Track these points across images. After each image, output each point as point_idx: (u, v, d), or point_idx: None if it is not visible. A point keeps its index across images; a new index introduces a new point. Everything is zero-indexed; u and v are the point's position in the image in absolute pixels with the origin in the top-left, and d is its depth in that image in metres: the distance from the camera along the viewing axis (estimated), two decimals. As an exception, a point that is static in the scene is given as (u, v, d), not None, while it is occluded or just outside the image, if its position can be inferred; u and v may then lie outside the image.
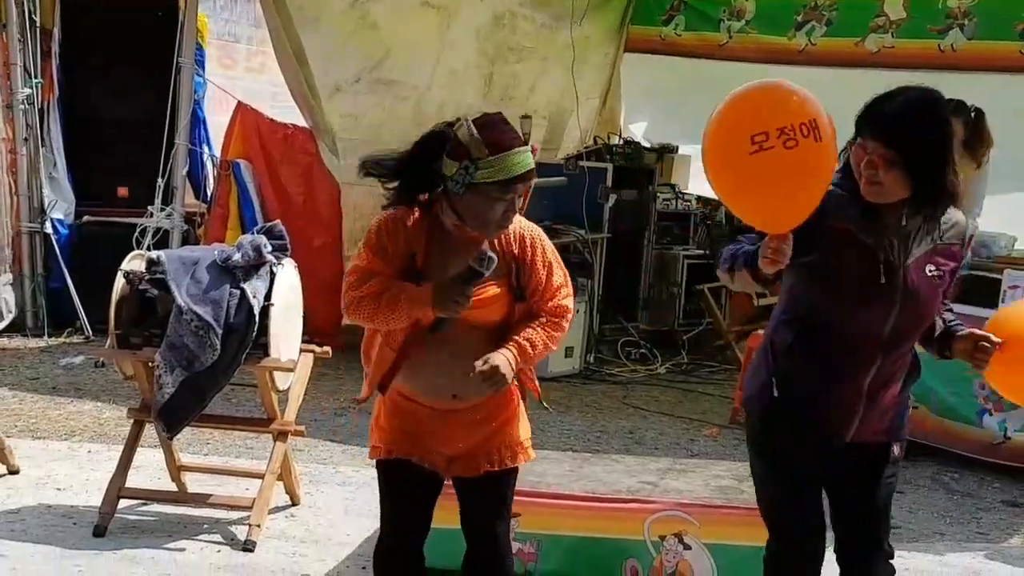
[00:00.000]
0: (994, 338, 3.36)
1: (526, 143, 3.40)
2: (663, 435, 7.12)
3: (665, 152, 9.79)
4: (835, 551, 3.59)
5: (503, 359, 3.36)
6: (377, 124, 8.92)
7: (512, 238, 3.46)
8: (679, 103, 10.69)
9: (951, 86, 8.43)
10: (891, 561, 3.60)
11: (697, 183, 10.11)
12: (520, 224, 3.50)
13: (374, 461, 3.62)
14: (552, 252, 3.53)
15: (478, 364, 3.33)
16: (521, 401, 3.63)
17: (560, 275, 3.51)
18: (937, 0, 8.76)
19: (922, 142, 3.18)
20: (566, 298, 3.51)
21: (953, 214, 3.40)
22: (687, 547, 4.60)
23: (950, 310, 3.54)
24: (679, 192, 9.65)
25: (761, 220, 3.15)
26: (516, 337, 3.42)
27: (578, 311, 8.51)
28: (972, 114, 7.08)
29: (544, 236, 3.55)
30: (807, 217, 3.10)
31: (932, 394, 6.76)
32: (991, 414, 6.57)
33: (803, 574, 3.59)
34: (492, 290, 3.41)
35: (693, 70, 10.25)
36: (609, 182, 9.01)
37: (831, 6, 9.27)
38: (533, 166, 3.36)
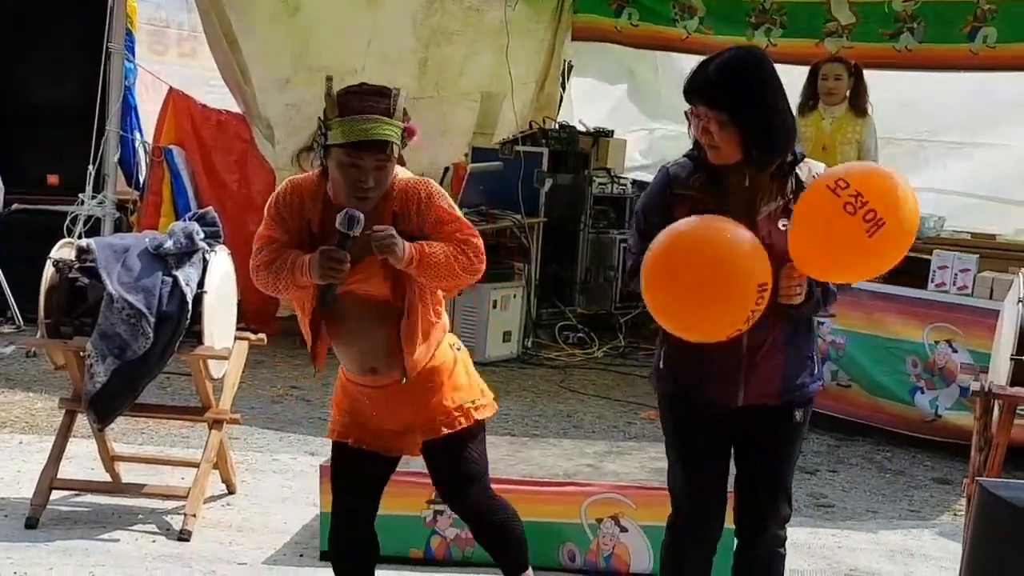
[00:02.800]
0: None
1: (390, 116, 3.34)
2: (601, 418, 7.16)
3: (600, 136, 9.81)
4: (734, 513, 3.63)
5: (394, 231, 3.35)
6: (316, 112, 8.84)
7: (393, 197, 3.44)
8: (616, 88, 10.76)
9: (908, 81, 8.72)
10: (783, 529, 3.61)
11: (632, 167, 10.17)
12: (407, 180, 3.48)
13: (317, 447, 3.68)
14: (438, 191, 3.51)
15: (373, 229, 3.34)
16: (458, 366, 3.67)
17: (455, 215, 3.49)
18: (883, 4, 8.89)
19: (743, 97, 3.31)
20: (470, 236, 3.48)
21: (813, 166, 3.46)
22: (624, 529, 4.63)
23: None
24: (615, 176, 9.68)
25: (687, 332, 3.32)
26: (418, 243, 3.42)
27: (515, 296, 8.54)
28: (854, 67, 7.50)
29: (435, 186, 3.54)
30: None
31: (865, 373, 6.85)
32: (923, 392, 6.66)
33: (695, 549, 3.64)
34: (372, 259, 3.39)
35: (652, 60, 10.33)
36: (545, 166, 9.02)
37: (780, 10, 9.38)
38: (388, 138, 3.31)
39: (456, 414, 3.63)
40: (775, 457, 3.57)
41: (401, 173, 3.51)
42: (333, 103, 3.33)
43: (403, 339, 3.49)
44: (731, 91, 3.32)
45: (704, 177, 3.43)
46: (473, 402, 3.68)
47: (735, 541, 3.67)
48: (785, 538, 3.64)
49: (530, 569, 3.89)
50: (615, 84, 10.82)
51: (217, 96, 9.21)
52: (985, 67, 8.59)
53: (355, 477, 3.67)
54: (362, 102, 3.33)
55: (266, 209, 3.50)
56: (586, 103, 10.85)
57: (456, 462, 3.68)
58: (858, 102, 7.67)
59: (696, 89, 3.37)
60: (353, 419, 3.66)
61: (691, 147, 3.50)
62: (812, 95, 7.70)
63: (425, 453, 3.69)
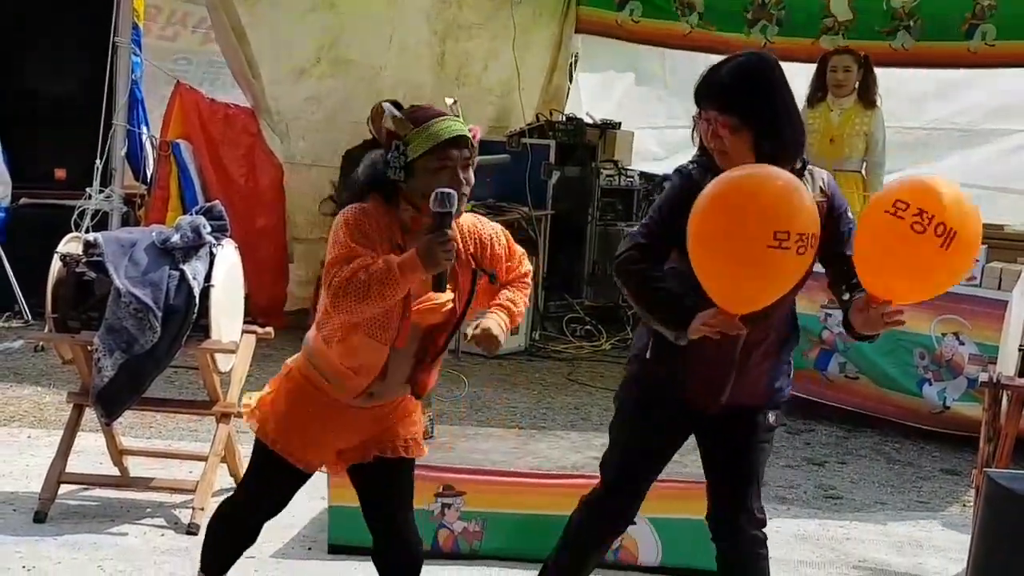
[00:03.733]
0: (879, 299, 3.26)
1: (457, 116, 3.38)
2: (608, 411, 7.06)
3: (607, 128, 9.80)
4: (706, 518, 3.63)
5: (494, 321, 3.41)
6: (337, 107, 8.85)
7: (466, 238, 3.46)
8: (623, 80, 10.74)
9: (904, 79, 8.68)
10: (762, 529, 3.61)
11: (639, 159, 10.15)
12: (473, 225, 3.51)
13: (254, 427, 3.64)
14: (498, 229, 3.57)
15: (469, 329, 3.38)
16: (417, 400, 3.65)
17: (514, 245, 3.60)
18: (881, 1, 8.86)
19: (756, 101, 3.29)
20: (526, 262, 3.64)
21: (816, 173, 3.45)
22: (631, 522, 4.62)
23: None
24: (622, 168, 9.66)
25: (724, 299, 3.19)
26: (498, 301, 3.49)
27: (523, 288, 8.53)
28: (863, 59, 7.53)
29: (485, 221, 3.57)
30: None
31: (873, 366, 6.84)
32: (931, 383, 6.65)
33: (612, 532, 3.76)
34: (444, 296, 3.39)
35: (657, 56, 10.31)
36: (552, 159, 9.01)
37: (778, 5, 9.35)
38: (466, 133, 3.32)
39: (412, 444, 3.63)
40: (749, 459, 3.56)
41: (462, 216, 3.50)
42: (404, 121, 3.31)
43: (435, 367, 3.53)
44: (744, 95, 3.30)
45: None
46: (420, 438, 3.70)
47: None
48: (764, 538, 3.62)
49: None
50: (622, 76, 10.80)
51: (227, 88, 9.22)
52: (984, 65, 8.56)
53: (282, 491, 3.66)
54: (429, 110, 3.35)
55: (342, 235, 3.28)
56: (593, 96, 10.84)
57: (407, 484, 3.69)
58: (867, 94, 7.68)
59: (708, 93, 3.35)
60: (296, 430, 3.55)
61: (697, 151, 3.47)
62: (821, 87, 7.70)
63: (363, 471, 3.63)
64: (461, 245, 3.40)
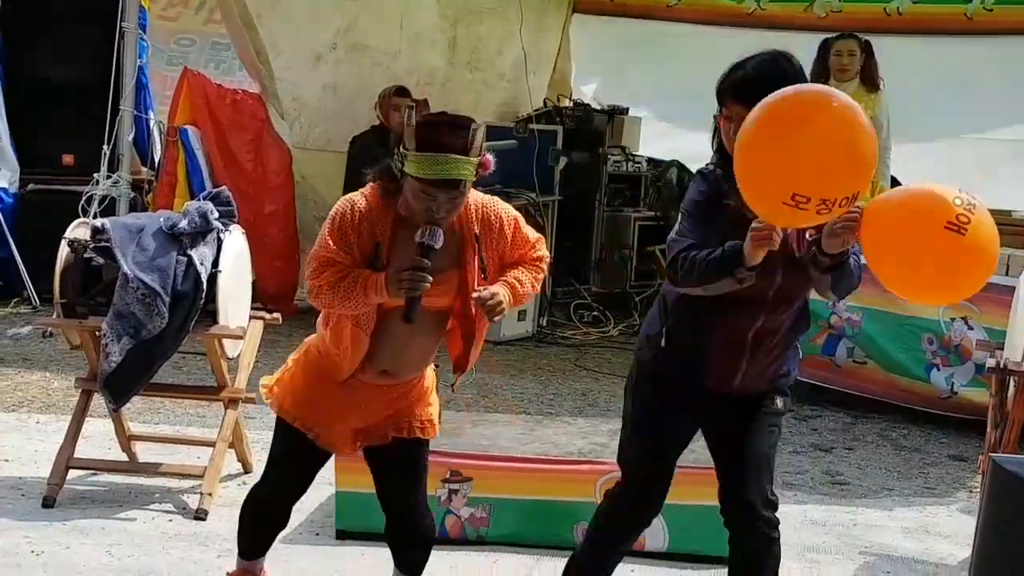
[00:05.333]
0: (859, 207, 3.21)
1: (466, 153, 3.29)
2: (615, 397, 7.14)
3: (615, 114, 9.77)
4: (720, 502, 3.63)
5: (501, 289, 3.42)
6: (354, 93, 8.84)
7: (472, 218, 3.47)
8: (628, 65, 10.70)
9: (896, 50, 8.56)
10: (775, 512, 3.60)
11: (647, 145, 10.13)
12: (482, 202, 3.51)
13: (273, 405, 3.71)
14: (512, 215, 3.57)
15: (476, 292, 3.39)
16: (433, 381, 3.72)
17: (529, 230, 3.60)
18: None
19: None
20: (542, 250, 3.62)
21: None
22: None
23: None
24: (629, 154, 9.65)
25: (765, 214, 3.16)
26: (504, 278, 3.49)
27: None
28: (865, 43, 7.48)
29: (500, 203, 3.57)
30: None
31: (881, 350, 6.83)
32: (939, 369, 6.65)
33: (637, 524, 3.75)
34: (447, 275, 3.42)
35: (642, 31, 10.24)
36: (560, 144, 9.00)
37: None
38: (463, 177, 3.29)
39: (427, 424, 3.68)
40: (759, 443, 3.56)
41: (474, 194, 3.49)
42: (412, 134, 3.29)
43: (449, 347, 3.56)
44: (771, 90, 3.23)
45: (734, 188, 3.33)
46: (436, 419, 3.73)
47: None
48: (777, 522, 3.62)
49: None
50: (629, 62, 10.76)
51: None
52: (980, 32, 8.46)
53: (305, 468, 3.70)
54: (440, 137, 3.27)
55: (327, 231, 3.39)
56: (599, 80, 10.81)
57: (420, 466, 3.72)
58: (870, 77, 7.64)
59: (733, 88, 3.34)
60: (315, 406, 3.61)
61: (715, 153, 3.46)
62: (823, 71, 7.66)
63: (379, 452, 3.67)
64: (465, 227, 3.44)
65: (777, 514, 3.62)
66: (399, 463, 3.68)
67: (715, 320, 3.46)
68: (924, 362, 6.70)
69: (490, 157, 3.38)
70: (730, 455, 3.61)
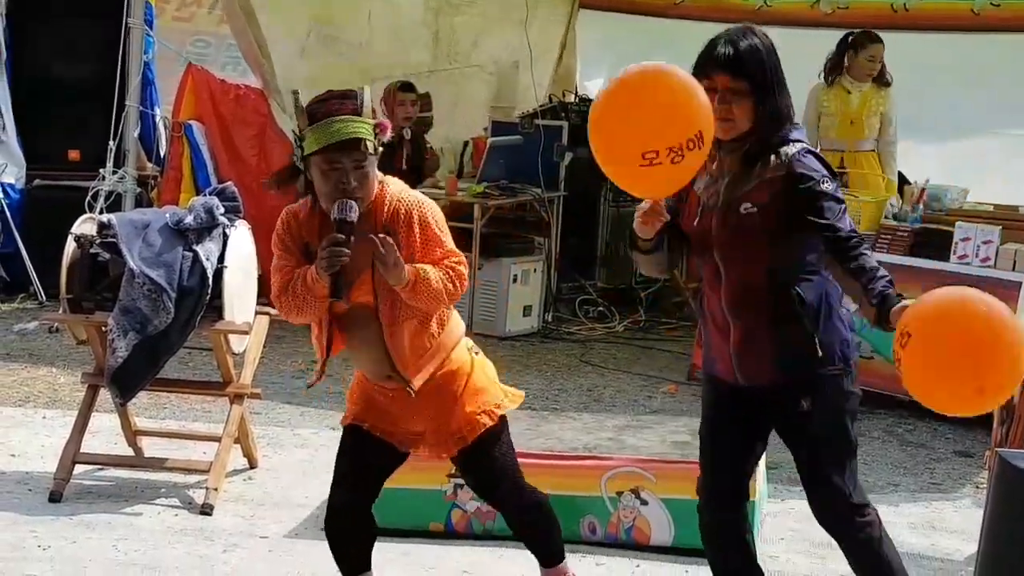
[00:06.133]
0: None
1: (358, 114, 3.38)
2: (621, 392, 7.15)
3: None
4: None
5: (397, 251, 3.36)
6: (330, 86, 8.82)
7: (387, 210, 3.46)
8: (635, 61, 10.66)
9: (903, 46, 8.52)
10: (848, 506, 3.54)
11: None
12: (400, 196, 3.49)
13: (338, 422, 3.74)
14: (429, 215, 3.49)
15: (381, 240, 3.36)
16: (476, 370, 3.67)
17: (446, 246, 3.51)
18: None
19: (761, 66, 3.39)
20: (458, 264, 3.50)
21: (787, 148, 3.44)
22: (644, 502, 4.64)
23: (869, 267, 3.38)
24: (635, 149, 9.62)
25: (629, 183, 3.37)
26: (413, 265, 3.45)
27: (535, 270, 8.52)
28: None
29: (429, 206, 3.52)
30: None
31: (888, 344, 6.79)
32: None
33: (711, 528, 3.71)
34: (368, 274, 3.44)
35: (648, 28, 10.22)
36: (565, 140, 8.98)
37: None
38: (359, 135, 3.34)
39: (478, 417, 3.63)
40: (804, 445, 3.55)
41: (395, 186, 3.51)
42: (302, 113, 3.39)
43: (393, 355, 3.50)
44: (753, 59, 3.38)
45: None
46: (497, 404, 3.69)
47: None
48: (862, 522, 3.54)
49: (566, 560, 3.88)
50: (636, 58, 10.74)
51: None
52: (988, 28, 8.43)
53: (364, 461, 3.65)
54: (329, 107, 3.38)
55: (274, 240, 3.54)
56: (606, 77, 10.79)
57: (488, 462, 3.70)
58: (882, 74, 7.67)
59: (718, 58, 3.38)
60: (369, 407, 3.66)
61: None
62: (838, 66, 7.66)
63: (456, 459, 3.72)
64: (378, 223, 3.44)
65: (862, 516, 3.56)
66: (472, 464, 3.70)
67: (704, 314, 3.58)
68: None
69: (385, 121, 3.45)
70: (791, 450, 3.62)
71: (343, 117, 3.35)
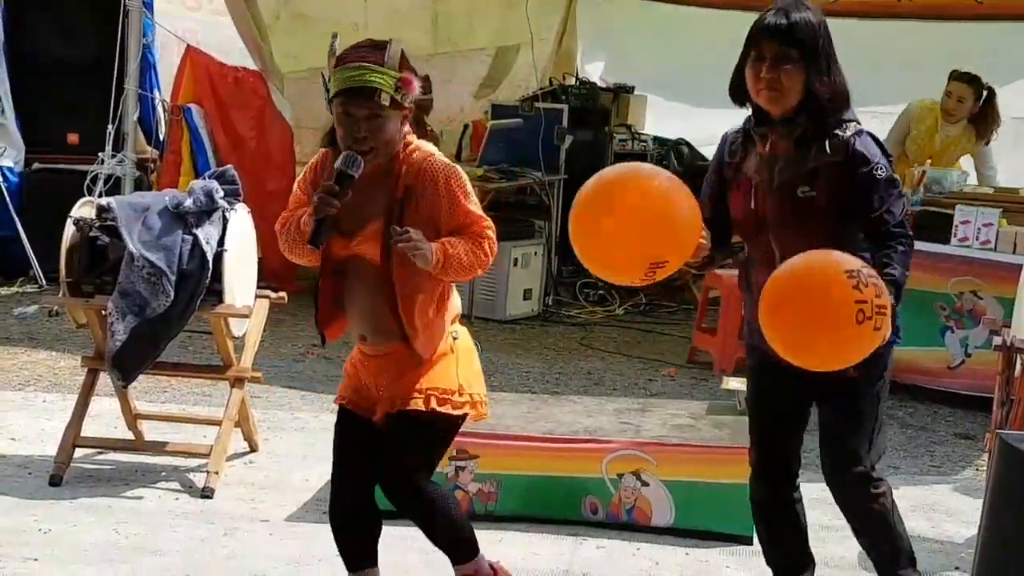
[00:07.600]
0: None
1: (381, 64, 3.33)
2: (621, 376, 7.16)
3: (621, 92, 9.74)
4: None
5: (421, 235, 3.33)
6: (318, 64, 8.80)
7: (411, 170, 3.43)
8: (635, 46, 10.66)
9: (908, 36, 8.47)
10: (864, 476, 3.60)
11: (653, 124, 10.10)
12: (428, 158, 3.44)
13: (334, 406, 3.70)
14: (461, 187, 3.44)
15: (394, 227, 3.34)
16: (450, 355, 3.54)
17: (472, 213, 3.45)
18: None
19: (815, 35, 3.37)
20: (487, 230, 3.45)
21: (841, 131, 3.43)
22: (645, 483, 4.64)
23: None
24: (635, 132, 9.61)
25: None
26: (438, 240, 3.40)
27: (536, 253, 8.52)
28: (985, 91, 7.23)
29: (456, 172, 3.46)
30: None
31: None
32: (953, 331, 6.63)
33: (760, 505, 3.75)
34: (374, 225, 3.41)
35: (650, 13, 10.21)
36: (565, 123, 8.96)
37: None
38: (376, 85, 3.30)
39: (416, 395, 3.47)
40: (839, 408, 3.57)
41: (424, 147, 3.47)
42: (332, 57, 3.38)
43: (402, 311, 3.43)
44: (805, 28, 3.37)
45: (741, 140, 3.54)
46: (442, 392, 3.49)
47: None
48: (875, 493, 3.62)
49: (478, 558, 3.66)
50: (637, 42, 10.73)
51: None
52: (990, 18, 8.40)
53: (348, 439, 3.62)
54: (356, 52, 3.38)
55: (300, 176, 3.57)
56: (606, 60, 10.77)
57: (397, 443, 3.50)
58: (983, 128, 7.40)
59: (768, 27, 3.38)
60: (352, 382, 3.65)
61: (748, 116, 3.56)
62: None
63: (383, 426, 3.54)
64: (401, 179, 3.40)
65: (864, 475, 3.61)
66: (390, 431, 3.50)
67: (751, 295, 3.54)
68: (939, 325, 6.65)
69: (412, 78, 3.38)
70: (821, 426, 3.65)
71: (362, 64, 3.32)
